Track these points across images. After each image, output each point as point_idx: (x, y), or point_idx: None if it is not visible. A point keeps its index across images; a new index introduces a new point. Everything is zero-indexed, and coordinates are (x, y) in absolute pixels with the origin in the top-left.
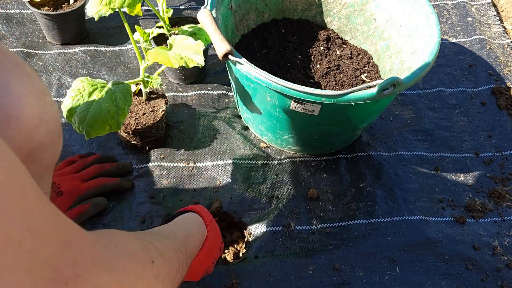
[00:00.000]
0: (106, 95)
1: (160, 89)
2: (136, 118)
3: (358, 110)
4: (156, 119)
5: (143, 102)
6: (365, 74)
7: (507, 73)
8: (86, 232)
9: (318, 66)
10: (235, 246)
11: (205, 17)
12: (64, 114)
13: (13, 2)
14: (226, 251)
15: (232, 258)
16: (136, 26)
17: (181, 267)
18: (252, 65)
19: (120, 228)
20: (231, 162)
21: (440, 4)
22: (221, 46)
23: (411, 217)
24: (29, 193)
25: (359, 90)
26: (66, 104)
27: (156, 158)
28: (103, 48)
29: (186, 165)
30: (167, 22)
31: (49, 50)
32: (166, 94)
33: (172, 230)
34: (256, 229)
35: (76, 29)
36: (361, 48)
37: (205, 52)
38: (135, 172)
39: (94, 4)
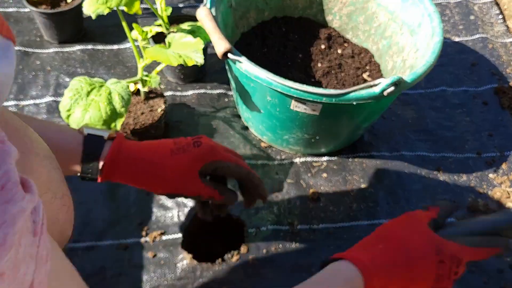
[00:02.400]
0: (104, 94)
1: (158, 88)
2: (134, 118)
3: (360, 110)
4: (155, 119)
5: (141, 102)
6: (367, 73)
7: (510, 73)
8: None
9: (319, 65)
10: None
11: (204, 15)
12: (62, 114)
13: (10, 1)
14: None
15: (230, 257)
16: (134, 25)
17: None
18: (252, 63)
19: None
20: None
21: (443, 3)
22: (221, 45)
23: None
24: None
25: (360, 89)
26: (64, 104)
27: None
28: (101, 47)
29: None
30: (166, 21)
31: (47, 48)
32: (165, 94)
33: None
34: (256, 228)
35: (74, 27)
36: (363, 47)
37: (205, 50)
38: None
39: (90, 2)
